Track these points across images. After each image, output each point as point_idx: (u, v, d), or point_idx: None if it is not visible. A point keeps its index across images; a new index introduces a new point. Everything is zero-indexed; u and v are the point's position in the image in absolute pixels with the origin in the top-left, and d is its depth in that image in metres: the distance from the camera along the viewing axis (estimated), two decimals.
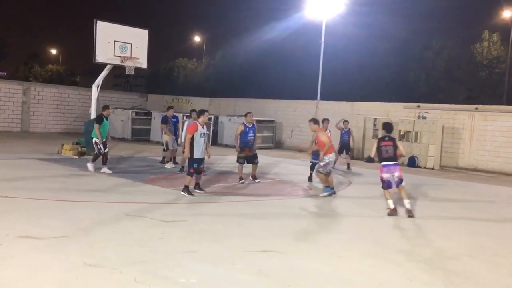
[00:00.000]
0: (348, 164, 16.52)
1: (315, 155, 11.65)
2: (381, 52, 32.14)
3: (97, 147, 12.38)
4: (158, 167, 14.17)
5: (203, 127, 9.85)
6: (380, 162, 9.20)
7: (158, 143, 21.49)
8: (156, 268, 5.36)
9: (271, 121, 24.80)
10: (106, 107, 12.97)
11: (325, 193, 10.58)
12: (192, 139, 9.65)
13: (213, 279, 5.20)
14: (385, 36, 32.18)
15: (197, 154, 9.71)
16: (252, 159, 12.21)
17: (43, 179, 10.86)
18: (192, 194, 9.65)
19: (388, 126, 9.60)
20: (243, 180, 11.89)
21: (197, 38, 52.47)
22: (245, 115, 12.43)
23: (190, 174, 9.79)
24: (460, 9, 38.35)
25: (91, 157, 12.76)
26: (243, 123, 12.26)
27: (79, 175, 11.76)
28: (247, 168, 12.50)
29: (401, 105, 21.42)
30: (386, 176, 9.07)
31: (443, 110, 19.90)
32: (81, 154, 15.27)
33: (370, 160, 19.23)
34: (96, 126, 12.43)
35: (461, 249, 6.97)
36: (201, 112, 10.07)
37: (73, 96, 27.03)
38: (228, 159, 17.20)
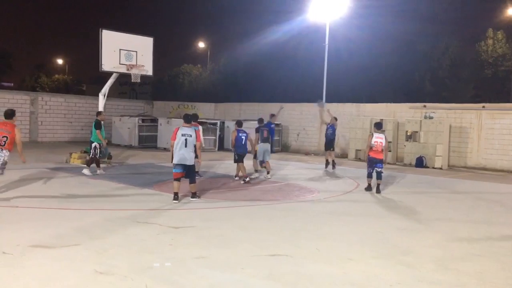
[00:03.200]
0: (332, 161, 16.68)
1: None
2: (386, 53, 32.09)
3: (95, 151, 13.10)
4: (165, 173, 14.19)
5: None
6: None
7: (165, 149, 21.59)
8: (167, 275, 5.38)
9: (277, 125, 24.79)
10: (99, 113, 14.00)
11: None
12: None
13: (223, 284, 5.21)
14: (389, 37, 32.12)
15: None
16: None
17: (53, 188, 10.94)
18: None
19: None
20: (247, 178, 12.66)
21: (201, 44, 52.70)
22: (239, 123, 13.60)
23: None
24: (464, 8, 38.21)
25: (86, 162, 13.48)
26: (237, 129, 13.20)
27: (88, 184, 11.83)
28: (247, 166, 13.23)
29: (407, 105, 21.38)
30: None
31: (449, 109, 19.83)
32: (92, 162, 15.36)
33: None
34: (97, 131, 13.25)
35: (472, 249, 6.94)
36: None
37: (80, 105, 27.21)
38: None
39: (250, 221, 8.27)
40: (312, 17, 25.12)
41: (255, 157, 13.85)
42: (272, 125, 16.84)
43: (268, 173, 13.77)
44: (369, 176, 11.85)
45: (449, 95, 28.90)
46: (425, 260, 6.26)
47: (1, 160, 9.53)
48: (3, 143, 9.50)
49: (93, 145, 13.23)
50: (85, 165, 13.58)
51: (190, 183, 9.73)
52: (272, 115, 17.29)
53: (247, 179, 12.58)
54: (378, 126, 12.03)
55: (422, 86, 31.43)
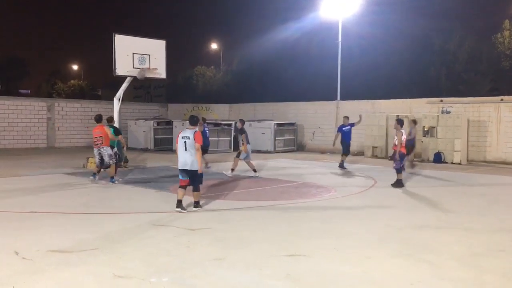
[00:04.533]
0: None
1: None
2: (400, 49, 31.76)
3: (116, 156, 12.87)
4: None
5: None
6: None
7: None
8: (185, 277, 5.37)
9: (292, 124, 24.73)
10: (111, 118, 14.06)
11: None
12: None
13: (242, 285, 5.18)
14: (403, 33, 31.78)
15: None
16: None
17: (70, 193, 11.04)
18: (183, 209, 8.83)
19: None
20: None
21: (214, 45, 52.83)
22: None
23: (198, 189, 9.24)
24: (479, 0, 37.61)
25: (110, 170, 12.58)
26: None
27: (105, 188, 11.92)
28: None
29: (423, 100, 21.10)
30: None
31: (467, 103, 19.52)
32: (106, 167, 15.44)
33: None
34: (120, 136, 13.35)
35: (494, 245, 6.79)
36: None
37: (96, 110, 27.36)
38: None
39: (267, 222, 8.22)
40: (324, 15, 24.99)
41: (239, 156, 14.23)
42: (345, 128, 16.39)
43: (255, 171, 14.08)
44: (401, 171, 12.24)
45: (466, 89, 28.45)
46: (447, 257, 6.14)
47: (106, 154, 12.32)
48: (101, 142, 12.32)
49: (113, 150, 12.60)
50: (111, 175, 12.61)
51: (193, 190, 8.99)
52: (347, 118, 16.81)
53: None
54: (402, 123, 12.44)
55: (439, 81, 31.01)
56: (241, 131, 14.18)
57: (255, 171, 14.04)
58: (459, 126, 18.31)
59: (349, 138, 16.45)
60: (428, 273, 5.57)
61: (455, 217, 8.63)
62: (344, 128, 16.42)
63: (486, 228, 7.84)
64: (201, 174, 8.95)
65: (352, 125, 16.38)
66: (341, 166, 16.19)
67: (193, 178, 8.90)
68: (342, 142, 16.44)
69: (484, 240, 7.09)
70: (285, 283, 5.21)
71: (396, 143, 11.98)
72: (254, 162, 14.67)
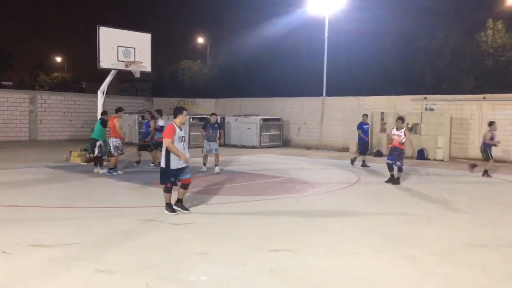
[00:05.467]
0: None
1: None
2: (385, 46, 31.92)
3: (100, 149, 13.06)
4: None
5: (180, 130, 8.12)
6: None
7: None
8: (168, 272, 5.35)
9: (278, 119, 24.76)
10: (105, 112, 13.80)
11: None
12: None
13: (226, 280, 5.18)
14: (389, 29, 31.94)
15: (174, 164, 7.96)
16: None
17: (53, 187, 10.91)
18: (175, 211, 8.13)
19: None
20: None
21: (200, 39, 52.53)
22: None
23: (167, 190, 8.14)
24: None
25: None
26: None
27: (88, 182, 11.80)
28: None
29: (408, 97, 21.28)
30: None
31: (450, 101, 19.74)
32: (89, 160, 15.34)
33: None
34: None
35: (475, 241, 6.90)
36: (178, 110, 8.22)
37: (79, 103, 27.17)
38: (237, 160, 17.19)
39: (252, 217, 8.22)
40: (311, 10, 24.99)
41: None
42: (366, 126, 15.98)
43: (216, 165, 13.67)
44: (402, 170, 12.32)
45: (449, 86, 28.77)
46: (429, 253, 6.22)
47: (111, 144, 12.94)
48: (109, 133, 12.98)
49: (97, 143, 13.03)
50: (95, 165, 13.24)
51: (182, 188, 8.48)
52: (366, 116, 16.49)
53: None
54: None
55: (423, 78, 31.31)
56: (203, 126, 13.97)
57: (216, 165, 13.61)
58: (442, 123, 18.52)
59: (368, 137, 16.25)
60: (410, 268, 5.64)
61: (438, 213, 8.74)
62: (364, 126, 16.00)
63: (468, 224, 7.96)
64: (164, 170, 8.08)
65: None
66: (364, 165, 15.54)
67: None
68: (361, 141, 15.99)
69: (465, 236, 7.20)
70: (269, 278, 5.22)
71: (404, 141, 12.03)
72: (240, 157, 14.63)
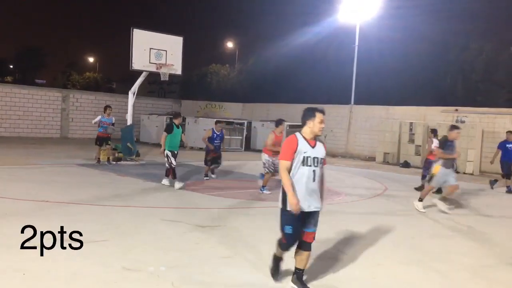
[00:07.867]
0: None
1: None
2: (417, 55, 31.47)
3: (169, 160, 11.26)
4: (192, 171, 14.23)
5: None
6: None
7: (192, 148, 21.73)
8: (193, 273, 5.37)
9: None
10: (178, 114, 11.79)
11: None
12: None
13: (249, 285, 5.17)
14: (421, 39, 31.51)
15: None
16: (216, 160, 12.96)
17: (82, 184, 11.12)
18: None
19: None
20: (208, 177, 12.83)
21: (229, 44, 52.94)
22: (215, 123, 13.25)
23: (282, 246, 5.49)
24: (498, 9, 37.19)
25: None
26: (212, 128, 12.95)
27: (116, 180, 11.98)
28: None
29: (438, 109, 20.92)
30: None
31: (482, 113, 19.32)
32: (118, 159, 15.64)
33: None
34: (164, 134, 11.20)
35: (505, 257, 6.70)
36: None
37: (109, 103, 27.45)
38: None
39: (277, 223, 8.17)
40: (342, 18, 24.89)
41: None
42: (510, 145, 13.60)
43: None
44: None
45: (482, 99, 28.17)
46: (458, 268, 6.07)
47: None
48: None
49: (165, 153, 11.20)
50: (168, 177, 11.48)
51: None
52: (510, 132, 14.03)
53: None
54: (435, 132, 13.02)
55: (454, 90, 30.71)
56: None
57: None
58: (474, 136, 18.13)
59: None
60: (439, 282, 5.52)
61: (467, 227, 8.53)
62: (508, 145, 13.62)
63: (498, 240, 7.74)
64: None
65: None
66: (510, 191, 13.44)
67: None
68: (504, 162, 13.66)
69: (496, 252, 7.01)
70: (294, 285, 5.18)
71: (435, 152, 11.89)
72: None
